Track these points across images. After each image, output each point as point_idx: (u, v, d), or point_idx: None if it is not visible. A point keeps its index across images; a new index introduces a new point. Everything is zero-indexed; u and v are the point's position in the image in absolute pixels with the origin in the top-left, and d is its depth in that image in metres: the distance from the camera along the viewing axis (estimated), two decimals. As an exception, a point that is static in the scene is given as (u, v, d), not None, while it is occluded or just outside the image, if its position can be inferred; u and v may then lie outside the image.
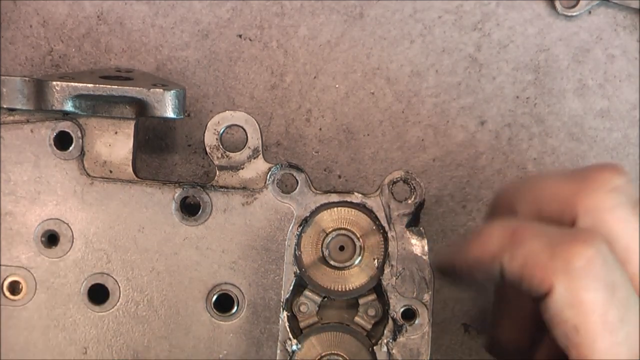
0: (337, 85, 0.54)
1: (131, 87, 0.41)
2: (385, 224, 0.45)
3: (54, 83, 0.40)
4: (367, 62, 0.54)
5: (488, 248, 0.41)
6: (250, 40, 0.53)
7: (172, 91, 0.41)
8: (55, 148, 0.42)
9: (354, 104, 0.54)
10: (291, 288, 0.43)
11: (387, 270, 0.45)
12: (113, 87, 0.41)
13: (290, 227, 0.43)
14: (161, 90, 0.41)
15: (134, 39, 0.52)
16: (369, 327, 0.45)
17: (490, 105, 0.55)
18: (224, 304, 0.43)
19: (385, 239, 0.45)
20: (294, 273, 0.43)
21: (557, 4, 0.55)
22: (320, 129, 0.54)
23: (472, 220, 0.54)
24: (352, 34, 0.54)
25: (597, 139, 0.56)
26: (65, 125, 0.42)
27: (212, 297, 0.42)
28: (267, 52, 0.53)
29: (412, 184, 0.45)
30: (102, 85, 0.41)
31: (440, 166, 0.54)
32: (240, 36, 0.53)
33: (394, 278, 0.45)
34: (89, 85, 0.40)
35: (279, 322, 0.43)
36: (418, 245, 0.45)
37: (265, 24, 0.53)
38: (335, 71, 0.54)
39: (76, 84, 0.40)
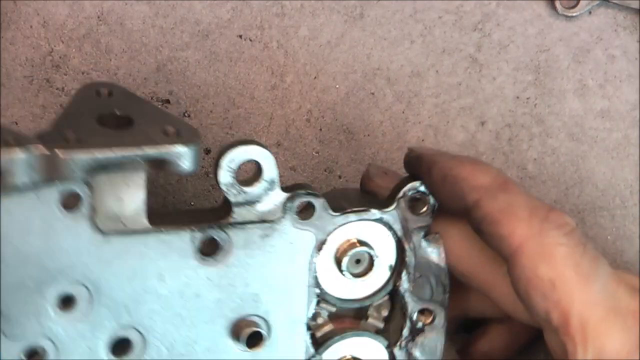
0: (337, 86, 0.54)
1: (152, 147, 0.37)
2: (402, 236, 0.44)
3: (69, 157, 0.36)
4: (368, 63, 0.54)
5: (477, 177, 0.42)
6: (251, 40, 0.53)
7: (192, 147, 0.38)
8: (64, 210, 0.38)
9: (354, 104, 0.54)
10: (314, 309, 0.43)
11: (404, 277, 0.45)
12: (133, 149, 0.37)
13: (311, 252, 0.42)
14: (183, 147, 0.38)
15: (134, 39, 0.52)
16: (380, 325, 0.46)
17: (491, 106, 0.55)
18: (250, 334, 0.42)
19: (402, 249, 0.44)
20: (316, 295, 0.43)
21: (557, 4, 0.55)
22: (320, 130, 0.54)
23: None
24: (353, 34, 0.54)
25: (597, 139, 0.56)
26: (72, 185, 0.38)
27: (237, 332, 0.41)
28: (268, 53, 0.53)
29: (426, 199, 0.44)
30: (121, 151, 0.37)
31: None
32: (240, 36, 0.53)
33: (411, 284, 0.45)
34: (108, 152, 0.37)
35: (303, 343, 0.43)
36: (435, 252, 0.45)
37: (266, 25, 0.53)
38: (335, 71, 0.54)
39: (94, 154, 0.36)
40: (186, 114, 0.52)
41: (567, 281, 0.39)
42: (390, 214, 0.44)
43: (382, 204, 0.44)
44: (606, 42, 0.56)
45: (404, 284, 0.45)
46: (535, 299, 0.40)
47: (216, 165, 0.40)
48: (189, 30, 0.53)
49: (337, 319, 0.45)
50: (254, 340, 0.41)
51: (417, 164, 0.45)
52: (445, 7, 0.55)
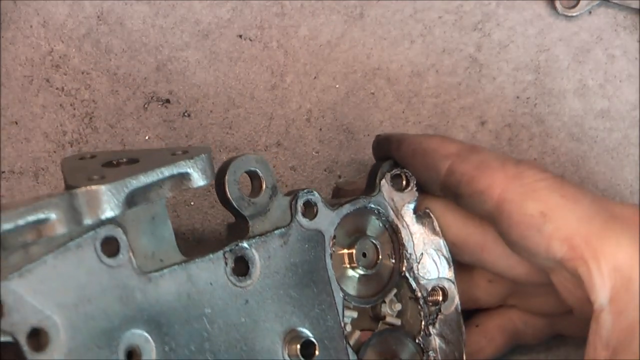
0: (337, 86, 0.54)
1: (171, 165, 0.37)
2: (394, 219, 0.45)
3: (107, 189, 0.35)
4: (368, 63, 0.54)
5: (445, 147, 0.43)
6: (251, 40, 0.53)
7: (206, 156, 0.38)
8: (105, 257, 0.37)
9: (354, 104, 0.54)
10: (342, 310, 0.43)
11: (405, 259, 0.45)
12: (156, 171, 0.37)
13: (326, 249, 0.43)
14: (203, 156, 0.38)
15: (134, 39, 0.52)
16: (398, 322, 0.45)
17: (491, 106, 0.55)
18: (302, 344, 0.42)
19: (397, 232, 0.45)
20: (341, 296, 0.43)
21: (558, 4, 0.55)
22: (320, 129, 0.54)
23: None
24: (353, 34, 0.54)
25: (597, 139, 0.56)
26: (107, 230, 0.37)
27: (290, 348, 0.41)
28: (268, 53, 0.53)
29: (405, 173, 0.45)
30: (146, 176, 0.36)
31: (441, 166, 0.54)
32: (240, 36, 0.53)
33: (416, 264, 0.45)
34: (141, 177, 0.36)
35: (346, 348, 0.43)
36: (429, 226, 0.45)
37: (266, 24, 0.53)
38: (335, 71, 0.54)
39: (128, 181, 0.36)
40: (186, 114, 0.52)
41: (556, 207, 0.39)
42: (378, 198, 0.45)
43: (366, 192, 0.45)
44: (606, 42, 0.56)
45: (407, 266, 0.45)
46: (531, 238, 0.39)
47: (222, 185, 0.40)
48: (189, 30, 0.53)
49: (359, 326, 0.45)
50: (308, 350, 0.41)
51: (385, 145, 0.46)
52: (445, 7, 0.55)
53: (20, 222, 0.33)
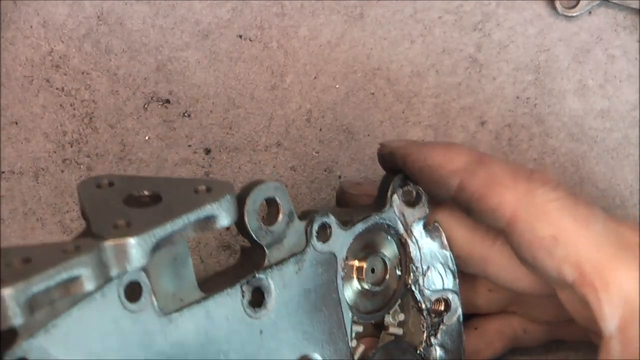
0: (337, 86, 0.54)
1: (207, 207, 0.36)
2: (403, 232, 0.44)
3: (133, 241, 0.34)
4: (368, 63, 0.54)
5: (452, 161, 0.41)
6: (251, 40, 0.53)
7: (230, 198, 0.37)
8: (128, 303, 0.36)
9: (354, 104, 0.54)
10: (353, 332, 0.43)
11: (412, 272, 0.45)
12: (181, 218, 0.36)
13: (338, 271, 0.42)
14: (228, 197, 0.37)
15: (134, 39, 0.52)
16: (400, 332, 0.45)
17: (491, 106, 0.55)
18: None
19: (405, 245, 0.45)
20: (351, 317, 0.43)
21: (558, 4, 0.55)
22: (320, 130, 0.54)
23: (472, 221, 0.54)
24: (353, 34, 0.54)
25: (597, 140, 0.56)
26: (132, 275, 0.36)
27: None
28: (268, 53, 0.53)
29: (417, 189, 0.44)
30: (172, 224, 0.35)
31: (441, 166, 0.54)
32: (240, 36, 0.53)
33: (421, 277, 0.45)
34: (169, 225, 0.35)
35: None
36: (437, 240, 0.45)
37: (266, 25, 0.53)
38: (335, 71, 0.54)
39: (156, 229, 0.35)
40: (186, 114, 0.52)
41: (568, 232, 0.39)
42: (388, 214, 0.44)
43: (376, 207, 0.44)
44: (606, 42, 0.56)
45: (414, 279, 0.45)
46: (542, 260, 0.39)
47: (242, 215, 0.39)
48: (189, 30, 0.53)
49: (363, 339, 0.45)
50: None
51: (391, 161, 0.45)
52: (445, 7, 0.55)
53: (51, 283, 0.32)
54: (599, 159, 0.56)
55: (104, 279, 0.34)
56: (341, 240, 0.42)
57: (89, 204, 0.37)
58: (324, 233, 0.42)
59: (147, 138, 0.52)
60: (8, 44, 0.51)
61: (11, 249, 0.32)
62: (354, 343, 0.43)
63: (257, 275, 0.40)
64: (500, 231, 0.41)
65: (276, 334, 0.40)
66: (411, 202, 0.44)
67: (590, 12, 0.56)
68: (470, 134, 0.55)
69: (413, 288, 0.45)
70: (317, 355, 0.41)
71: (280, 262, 0.40)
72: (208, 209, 0.36)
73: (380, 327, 0.45)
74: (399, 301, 0.45)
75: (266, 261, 0.40)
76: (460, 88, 0.55)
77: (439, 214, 0.45)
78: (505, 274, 0.44)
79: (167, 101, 0.52)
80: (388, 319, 0.45)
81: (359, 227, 0.43)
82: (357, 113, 0.54)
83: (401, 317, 0.45)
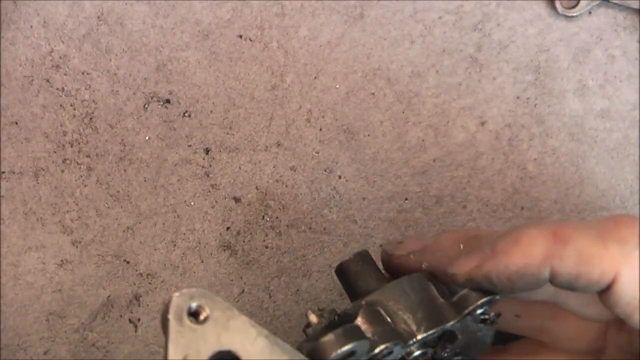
0: (337, 86, 0.54)
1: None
2: (458, 333, 0.42)
3: None
4: (368, 63, 0.54)
5: (533, 256, 0.39)
6: (251, 40, 0.53)
7: None
8: None
9: (355, 104, 0.54)
10: None
11: (448, 350, 0.43)
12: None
13: None
14: None
15: (134, 39, 0.52)
16: None
17: (491, 106, 0.55)
18: None
19: (454, 337, 0.42)
20: None
21: (558, 4, 0.55)
22: (320, 130, 0.54)
23: (472, 221, 0.54)
24: (353, 34, 0.54)
25: (597, 140, 0.56)
26: None
27: None
28: (268, 53, 0.53)
29: (494, 318, 0.42)
30: None
31: (441, 166, 0.54)
32: (240, 36, 0.53)
33: (452, 354, 0.43)
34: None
35: None
36: (487, 333, 0.43)
37: (266, 25, 0.53)
38: (335, 71, 0.54)
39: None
40: (186, 114, 0.52)
41: None
42: (457, 324, 0.41)
43: (448, 314, 0.41)
44: (606, 42, 0.56)
45: (446, 354, 0.43)
46: (637, 316, 0.39)
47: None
48: (189, 30, 0.53)
49: None
50: None
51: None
52: (445, 7, 0.55)
53: None
54: (599, 159, 0.56)
55: None
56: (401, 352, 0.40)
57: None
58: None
59: (147, 138, 0.52)
60: (8, 44, 0.51)
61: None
62: None
63: None
64: (594, 292, 0.39)
65: None
66: (483, 321, 0.42)
67: (590, 12, 0.56)
68: (470, 134, 0.55)
69: (440, 356, 0.43)
70: None
71: None
72: None
73: None
74: None
75: None
76: (460, 88, 0.55)
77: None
78: (577, 303, 0.43)
79: (167, 101, 0.52)
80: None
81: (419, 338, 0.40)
82: (357, 113, 0.54)
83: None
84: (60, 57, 0.51)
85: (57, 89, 0.51)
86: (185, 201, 0.52)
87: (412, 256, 0.44)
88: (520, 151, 0.55)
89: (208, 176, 0.53)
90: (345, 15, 0.54)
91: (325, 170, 0.54)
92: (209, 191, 0.52)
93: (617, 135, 0.56)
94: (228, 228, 0.52)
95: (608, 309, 0.40)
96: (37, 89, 0.51)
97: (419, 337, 0.40)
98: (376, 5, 0.54)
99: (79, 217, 0.52)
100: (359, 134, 0.54)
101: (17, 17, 0.51)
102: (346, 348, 0.37)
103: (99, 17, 0.52)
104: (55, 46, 0.51)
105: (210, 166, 0.53)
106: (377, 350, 0.38)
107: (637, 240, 0.39)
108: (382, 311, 0.40)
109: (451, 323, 0.40)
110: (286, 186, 0.53)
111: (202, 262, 0.53)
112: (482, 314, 0.41)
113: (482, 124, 0.55)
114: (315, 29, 0.54)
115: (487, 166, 0.55)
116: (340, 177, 0.54)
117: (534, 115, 0.55)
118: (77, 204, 0.52)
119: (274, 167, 0.53)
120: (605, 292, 0.39)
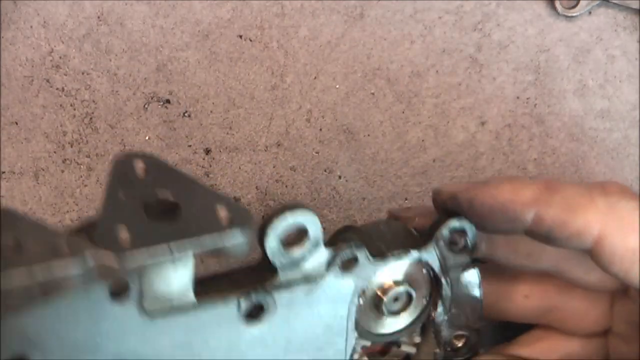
0: (337, 86, 0.54)
1: (208, 238, 0.35)
2: (439, 272, 0.43)
3: (126, 264, 0.34)
4: (368, 63, 0.54)
5: (523, 194, 0.40)
6: (251, 40, 0.53)
7: (248, 232, 0.36)
8: (113, 301, 0.37)
9: (354, 104, 0.54)
10: (352, 351, 0.42)
11: (439, 309, 0.44)
12: (189, 243, 0.35)
13: (350, 299, 0.41)
14: (239, 234, 0.36)
15: (134, 39, 0.52)
16: (413, 350, 0.45)
17: (491, 106, 0.55)
18: None
19: (439, 284, 0.44)
20: (355, 338, 0.42)
21: (558, 4, 0.55)
22: (320, 130, 0.54)
23: (472, 221, 0.54)
24: (353, 34, 0.54)
25: (597, 140, 0.56)
26: (122, 279, 0.37)
27: None
28: (268, 53, 0.53)
29: (466, 239, 0.43)
30: (177, 249, 0.35)
31: (441, 167, 0.54)
32: (240, 37, 0.53)
33: (446, 315, 0.44)
34: (165, 252, 0.35)
35: None
36: (473, 286, 0.44)
37: (266, 25, 0.53)
38: (335, 72, 0.54)
39: (151, 257, 0.35)
40: (186, 114, 0.52)
41: None
42: (429, 253, 0.42)
43: (420, 242, 0.43)
44: (606, 42, 0.56)
45: (439, 316, 0.44)
46: (635, 270, 0.39)
47: (262, 234, 0.38)
48: (189, 30, 0.53)
49: (370, 350, 0.44)
50: None
51: (455, 205, 0.43)
52: (445, 7, 0.55)
53: (31, 281, 0.32)
54: (599, 159, 0.56)
55: (86, 283, 0.34)
56: (366, 271, 0.41)
57: (110, 195, 0.36)
58: (349, 264, 0.40)
59: (147, 138, 0.52)
60: (8, 44, 0.51)
61: (8, 225, 0.32)
62: (356, 356, 0.43)
63: (260, 290, 0.39)
64: (585, 251, 0.40)
65: (269, 345, 0.40)
66: (455, 249, 0.43)
67: (590, 12, 0.56)
68: (470, 134, 0.55)
69: (436, 321, 0.44)
70: None
71: (291, 283, 0.39)
72: (219, 243, 0.35)
73: (394, 342, 0.45)
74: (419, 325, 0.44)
75: (276, 281, 0.39)
76: (460, 88, 0.55)
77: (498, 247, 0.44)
78: (578, 270, 0.43)
79: (167, 101, 0.52)
80: (403, 337, 0.44)
81: (390, 262, 0.42)
82: (357, 113, 0.54)
83: (417, 339, 0.44)
84: (60, 57, 0.51)
85: (57, 89, 0.51)
86: (185, 201, 0.52)
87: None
88: (520, 151, 0.55)
89: (208, 176, 0.53)
90: (345, 15, 0.54)
91: (325, 170, 0.54)
92: (209, 191, 0.53)
93: (617, 135, 0.56)
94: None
95: (605, 271, 0.40)
96: (37, 89, 0.51)
97: (389, 255, 0.41)
98: (376, 5, 0.54)
99: (79, 217, 0.52)
100: (359, 134, 0.54)
101: (17, 17, 0.51)
102: (287, 218, 0.37)
103: (99, 17, 0.52)
104: (55, 46, 0.51)
105: (210, 166, 0.53)
106: (340, 252, 0.40)
107: (623, 194, 0.40)
108: (354, 238, 0.42)
109: (423, 249, 0.42)
110: (286, 186, 0.53)
111: (202, 262, 0.53)
112: (452, 239, 0.42)
113: (482, 124, 0.55)
114: (315, 29, 0.54)
115: (487, 166, 0.55)
116: (340, 177, 0.54)
117: (534, 115, 0.55)
118: (77, 204, 0.52)
119: (274, 167, 0.53)
120: (597, 252, 0.39)
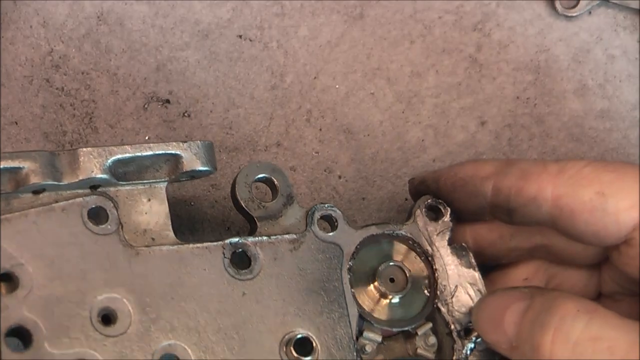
0: (337, 86, 0.54)
1: (172, 143, 0.40)
2: (427, 247, 0.45)
3: (88, 150, 0.39)
4: (368, 63, 0.54)
5: (482, 169, 0.43)
6: (251, 40, 0.53)
7: (204, 144, 0.41)
8: (91, 224, 0.39)
9: (354, 104, 0.54)
10: (356, 325, 0.43)
11: (440, 293, 0.45)
12: (146, 147, 0.40)
13: (342, 263, 0.43)
14: (198, 142, 0.41)
15: (134, 39, 0.52)
16: (432, 357, 0.44)
17: (491, 106, 0.55)
18: (298, 350, 0.42)
19: (430, 261, 0.45)
20: (356, 309, 0.43)
21: (557, 4, 0.55)
22: (320, 129, 0.54)
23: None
24: (353, 34, 0.54)
25: (597, 140, 0.56)
26: (97, 201, 0.40)
27: (288, 346, 0.41)
28: (267, 53, 0.53)
29: (440, 203, 0.46)
30: (142, 145, 0.40)
31: (441, 166, 0.54)
32: (240, 36, 0.53)
33: (450, 297, 0.45)
34: (128, 147, 0.40)
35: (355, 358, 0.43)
36: (464, 259, 0.45)
37: (266, 25, 0.53)
38: (335, 71, 0.54)
39: (115, 147, 0.39)
40: (186, 114, 0.52)
41: (610, 183, 0.40)
42: (412, 227, 0.45)
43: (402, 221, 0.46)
44: (606, 42, 0.56)
45: (442, 299, 0.45)
46: (597, 221, 0.40)
47: (234, 186, 0.43)
48: (189, 30, 0.53)
49: (386, 351, 0.45)
50: (305, 349, 0.41)
51: (424, 187, 0.46)
52: (445, 7, 0.55)
53: None
54: (599, 159, 0.56)
55: (54, 180, 0.38)
56: (348, 235, 0.44)
57: None
58: (329, 224, 0.44)
59: (147, 138, 0.52)
60: (8, 44, 0.51)
61: None
62: (369, 348, 0.43)
63: (242, 239, 0.42)
64: (547, 219, 0.41)
65: (262, 300, 0.41)
66: (435, 217, 0.46)
67: (590, 12, 0.56)
68: (470, 134, 0.55)
69: (441, 307, 0.44)
70: (307, 332, 0.42)
71: (272, 235, 0.42)
72: (173, 146, 0.40)
73: (411, 347, 0.45)
74: (430, 324, 0.45)
75: (257, 232, 0.42)
76: (460, 88, 0.55)
77: (478, 231, 0.46)
78: (560, 241, 0.45)
79: (167, 101, 0.52)
80: (420, 342, 0.44)
81: (373, 230, 0.44)
82: (357, 113, 0.54)
83: (432, 340, 0.45)
84: (60, 57, 0.51)
85: (57, 88, 0.51)
86: (185, 201, 0.52)
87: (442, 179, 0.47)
88: (520, 151, 0.55)
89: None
90: (345, 15, 0.54)
91: (325, 170, 0.54)
92: (209, 191, 0.52)
93: (617, 135, 0.56)
94: (228, 228, 0.52)
95: (572, 237, 0.41)
96: (37, 89, 0.51)
97: (371, 223, 0.45)
98: (376, 5, 0.54)
99: (79, 217, 0.52)
100: (358, 134, 0.54)
101: (17, 17, 0.51)
102: None
103: (98, 17, 0.52)
104: (55, 46, 0.51)
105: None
106: (314, 208, 0.44)
107: (575, 161, 0.41)
108: None
109: (402, 224, 0.45)
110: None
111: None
112: (428, 205, 0.46)
113: (482, 123, 0.55)
114: (315, 29, 0.54)
115: (487, 166, 0.55)
116: (340, 177, 0.54)
117: (534, 115, 0.55)
118: (77, 204, 0.52)
119: (273, 167, 0.53)
120: (557, 216, 0.40)
